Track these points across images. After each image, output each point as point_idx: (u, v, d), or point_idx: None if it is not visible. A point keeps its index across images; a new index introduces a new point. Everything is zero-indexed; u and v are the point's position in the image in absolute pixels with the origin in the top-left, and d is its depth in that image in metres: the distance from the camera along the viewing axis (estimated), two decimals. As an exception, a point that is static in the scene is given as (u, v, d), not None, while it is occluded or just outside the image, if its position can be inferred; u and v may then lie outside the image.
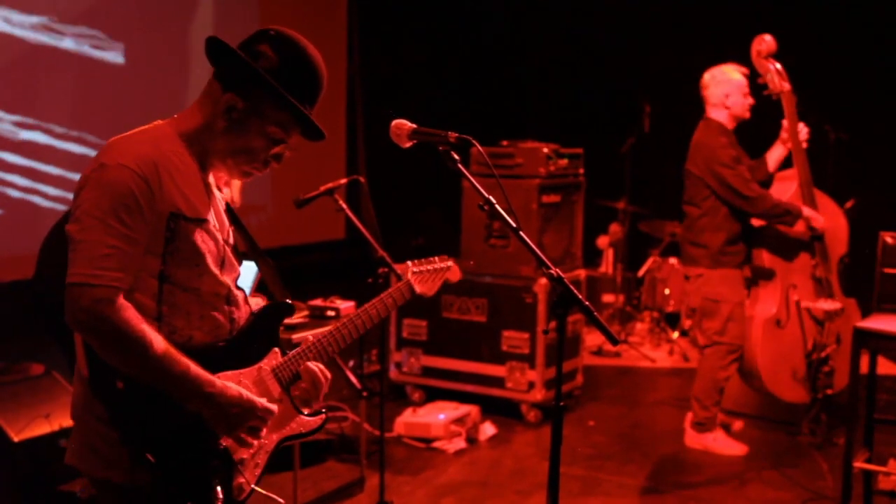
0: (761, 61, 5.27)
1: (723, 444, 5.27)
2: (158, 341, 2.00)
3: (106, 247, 1.96)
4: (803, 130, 5.25)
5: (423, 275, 2.64)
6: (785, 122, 5.25)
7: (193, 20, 7.81)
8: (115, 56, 7.00)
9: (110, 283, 1.96)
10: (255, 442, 2.17)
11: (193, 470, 2.10)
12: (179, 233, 2.07)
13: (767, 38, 5.28)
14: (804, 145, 5.25)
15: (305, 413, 2.35)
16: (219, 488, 2.12)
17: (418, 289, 2.61)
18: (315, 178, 4.95)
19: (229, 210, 2.31)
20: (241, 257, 2.29)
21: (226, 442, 2.15)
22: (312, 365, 2.32)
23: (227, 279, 2.20)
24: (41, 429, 4.17)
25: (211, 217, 2.16)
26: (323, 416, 2.39)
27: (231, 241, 2.26)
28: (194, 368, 2.05)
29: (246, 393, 2.13)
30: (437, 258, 2.71)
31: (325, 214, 4.82)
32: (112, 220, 1.97)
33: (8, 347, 5.32)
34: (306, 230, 8.84)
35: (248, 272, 2.49)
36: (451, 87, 9.66)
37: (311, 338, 2.38)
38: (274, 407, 2.18)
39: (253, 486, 2.21)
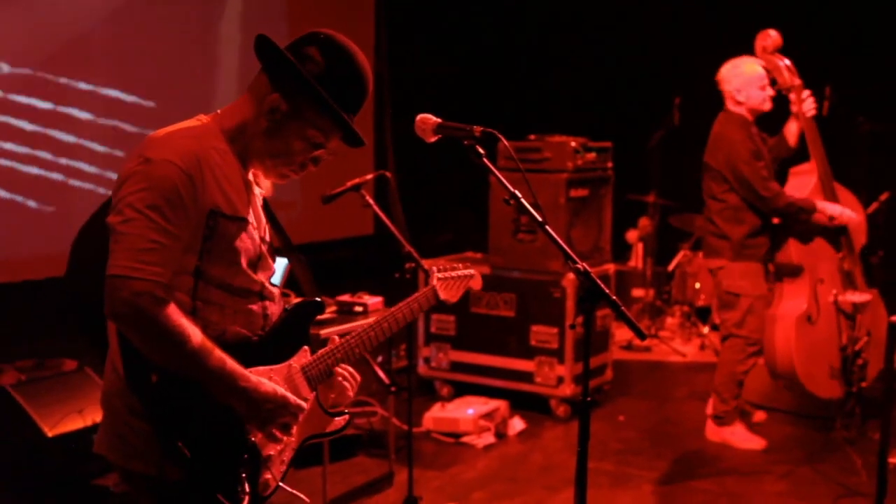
0: (767, 57, 5.23)
1: (741, 438, 5.24)
2: (196, 335, 2.01)
3: (148, 241, 1.97)
4: (809, 99, 5.20)
5: (447, 281, 2.66)
6: (792, 96, 5.21)
7: (223, 15, 7.85)
8: (143, 51, 7.04)
9: (151, 276, 1.96)
10: (284, 438, 2.18)
11: (223, 464, 2.11)
12: (218, 230, 2.08)
13: (772, 33, 5.24)
14: (810, 112, 5.19)
15: (331, 412, 2.37)
16: (247, 483, 2.13)
17: (442, 295, 2.63)
18: (344, 173, 4.95)
19: (266, 206, 2.32)
20: (275, 254, 2.31)
21: (255, 437, 2.16)
22: (342, 370, 2.35)
23: (261, 277, 2.21)
24: (74, 424, 4.22)
25: (250, 216, 2.17)
26: (346, 416, 2.41)
27: (267, 238, 2.27)
28: (230, 363, 2.06)
29: (280, 389, 2.15)
30: (460, 264, 2.72)
31: (353, 210, 4.82)
32: (155, 215, 1.98)
33: (41, 344, 5.39)
34: (335, 226, 8.85)
35: (278, 267, 2.50)
36: (479, 82, 9.64)
37: (337, 338, 2.40)
38: (305, 404, 2.20)
39: (279, 482, 2.23)
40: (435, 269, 2.65)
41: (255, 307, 2.19)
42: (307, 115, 2.13)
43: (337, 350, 2.35)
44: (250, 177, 2.22)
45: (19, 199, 6.26)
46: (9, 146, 6.21)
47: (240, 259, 2.13)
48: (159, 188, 1.99)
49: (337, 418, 2.38)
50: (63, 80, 6.57)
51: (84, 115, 6.71)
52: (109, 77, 6.90)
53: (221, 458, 2.11)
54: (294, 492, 2.32)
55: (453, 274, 2.67)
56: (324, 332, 3.77)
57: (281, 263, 4.01)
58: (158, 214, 1.98)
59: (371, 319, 2.47)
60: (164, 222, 1.99)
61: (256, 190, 2.26)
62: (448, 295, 2.65)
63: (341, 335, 2.42)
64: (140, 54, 7.00)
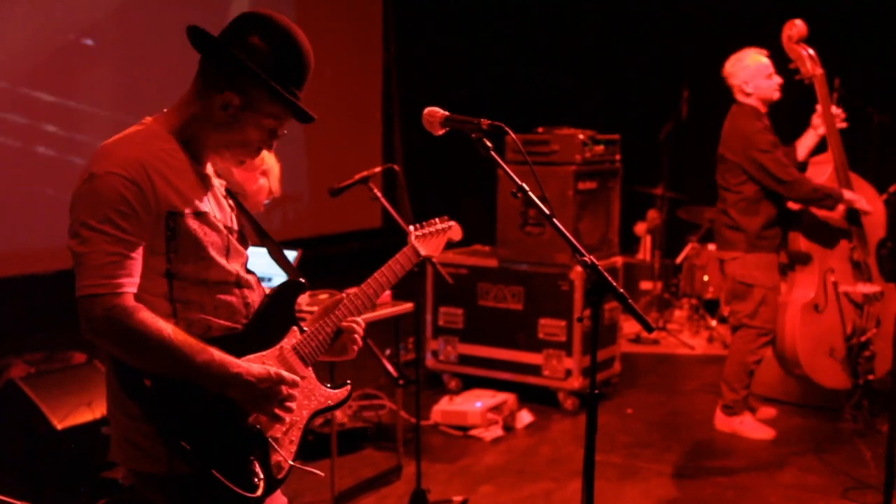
0: (792, 46, 5.21)
1: (750, 428, 5.24)
2: (176, 335, 2.02)
3: (107, 255, 1.99)
4: (837, 113, 5.18)
5: (426, 237, 2.65)
6: (818, 108, 5.19)
7: (230, 5, 7.85)
8: (150, 44, 7.05)
9: (118, 289, 1.98)
10: (288, 417, 2.19)
11: (231, 454, 2.13)
12: (179, 230, 2.09)
13: (798, 22, 5.23)
14: (839, 126, 5.19)
15: (330, 386, 2.38)
16: (258, 469, 2.14)
17: (423, 251, 2.61)
18: (351, 167, 4.96)
19: (230, 195, 2.33)
20: (246, 243, 2.31)
21: (259, 422, 2.17)
22: (348, 323, 2.38)
23: (234, 266, 2.22)
24: (83, 416, 4.24)
25: (209, 207, 2.18)
26: (348, 387, 2.42)
27: (235, 226, 2.28)
28: (217, 354, 2.07)
29: (272, 368, 2.15)
30: (437, 219, 2.71)
31: (361, 203, 4.83)
32: (109, 228, 1.99)
33: (51, 337, 5.41)
34: (343, 219, 8.87)
35: (288, 257, 2.51)
36: (487, 75, 9.63)
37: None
38: (299, 378, 2.21)
39: (291, 462, 2.23)
40: (412, 228, 2.64)
41: (233, 298, 2.19)
42: (260, 106, 2.15)
43: (326, 324, 2.36)
44: (208, 170, 2.23)
45: (29, 190, 6.28)
46: (15, 137, 6.23)
47: (208, 252, 2.14)
48: (106, 201, 2.00)
49: (338, 390, 2.39)
50: (66, 86, 6.57)
51: (93, 109, 6.73)
52: (115, 74, 6.91)
53: (229, 450, 2.12)
54: (307, 468, 2.33)
55: (431, 229, 2.67)
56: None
57: (291, 255, 4.02)
58: (112, 226, 1.99)
59: (355, 289, 2.47)
60: (119, 233, 2.00)
61: (216, 181, 2.27)
62: (429, 250, 2.65)
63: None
64: (144, 55, 7.01)
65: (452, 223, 2.75)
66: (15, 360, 4.86)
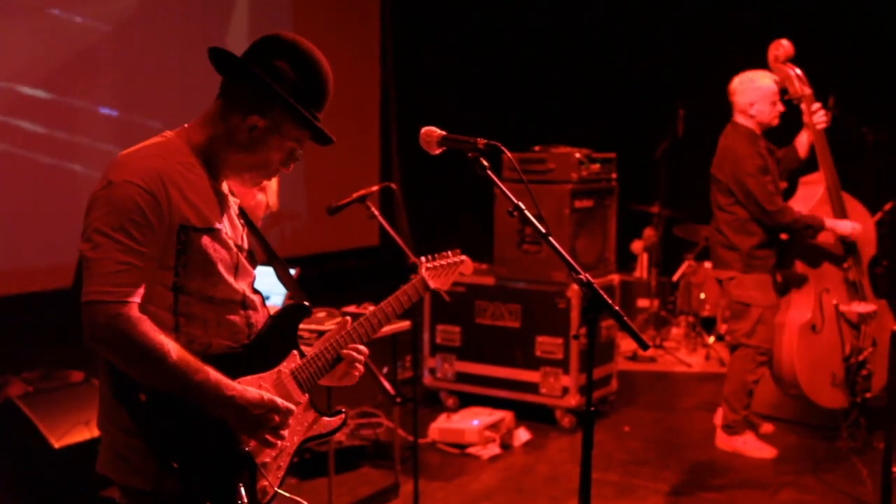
0: (779, 66, 5.24)
1: (752, 447, 5.24)
2: (176, 351, 2.03)
3: (117, 263, 2.00)
4: (820, 111, 5.19)
5: (436, 270, 2.65)
6: (803, 106, 5.20)
7: (228, 31, 7.89)
8: (150, 57, 7.07)
9: (124, 298, 1.99)
10: (279, 443, 2.19)
11: (218, 475, 2.13)
12: (191, 244, 2.10)
13: (784, 42, 5.25)
14: (819, 127, 5.19)
15: (325, 414, 2.38)
16: (243, 492, 2.14)
17: (433, 284, 2.62)
18: (349, 184, 4.98)
19: (243, 214, 2.34)
20: (255, 262, 2.32)
21: (249, 446, 2.17)
22: (348, 351, 2.39)
23: (241, 285, 2.23)
24: (81, 435, 4.23)
25: (223, 225, 2.19)
26: (342, 416, 2.42)
27: (245, 245, 2.29)
28: (213, 374, 2.07)
29: (266, 394, 2.15)
30: (450, 252, 2.71)
31: (359, 221, 4.85)
32: (122, 237, 2.01)
33: (48, 355, 5.41)
34: (341, 237, 8.88)
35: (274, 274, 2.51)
36: (484, 93, 9.66)
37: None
38: (293, 406, 2.20)
39: (276, 488, 2.23)
40: (424, 259, 2.64)
41: (237, 318, 2.20)
42: (286, 130, 2.18)
43: (327, 350, 2.36)
44: (224, 187, 2.25)
45: (26, 209, 6.29)
46: (14, 154, 6.25)
47: (217, 269, 2.15)
48: (123, 210, 2.01)
49: (332, 418, 2.39)
50: (67, 98, 6.59)
51: (90, 130, 6.75)
52: (116, 91, 6.94)
53: (216, 470, 2.13)
54: (292, 497, 2.33)
55: (442, 262, 2.67)
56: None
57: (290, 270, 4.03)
58: (125, 236, 2.01)
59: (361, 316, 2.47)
60: (132, 243, 2.01)
61: (231, 200, 2.29)
62: (439, 283, 2.65)
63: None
64: (145, 71, 7.04)
65: (464, 257, 2.73)
66: (13, 378, 4.86)
